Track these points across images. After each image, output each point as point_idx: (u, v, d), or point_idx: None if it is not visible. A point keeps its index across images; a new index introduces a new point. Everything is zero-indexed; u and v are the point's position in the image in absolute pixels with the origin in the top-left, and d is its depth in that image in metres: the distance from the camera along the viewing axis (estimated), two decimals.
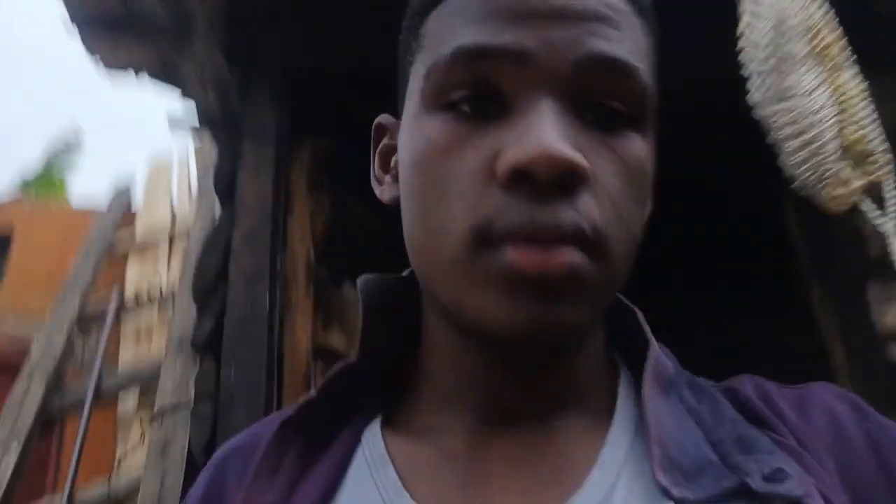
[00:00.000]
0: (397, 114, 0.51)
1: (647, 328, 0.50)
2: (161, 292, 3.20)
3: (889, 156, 0.85)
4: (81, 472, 2.39)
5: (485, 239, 0.39)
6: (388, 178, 0.52)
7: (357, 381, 0.50)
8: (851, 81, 0.87)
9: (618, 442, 0.44)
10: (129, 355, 3.16)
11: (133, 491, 2.27)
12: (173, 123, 2.41)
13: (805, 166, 0.87)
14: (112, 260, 3.43)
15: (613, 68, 0.41)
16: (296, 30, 1.67)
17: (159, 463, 2.02)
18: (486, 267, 0.39)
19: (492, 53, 0.40)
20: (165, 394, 2.28)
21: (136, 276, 3.48)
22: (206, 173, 2.83)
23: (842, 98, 0.87)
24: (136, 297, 3.23)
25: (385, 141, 0.54)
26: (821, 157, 0.85)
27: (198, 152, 3.90)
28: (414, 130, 0.45)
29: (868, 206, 0.85)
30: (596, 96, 0.41)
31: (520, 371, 0.44)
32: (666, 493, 0.39)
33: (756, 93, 0.89)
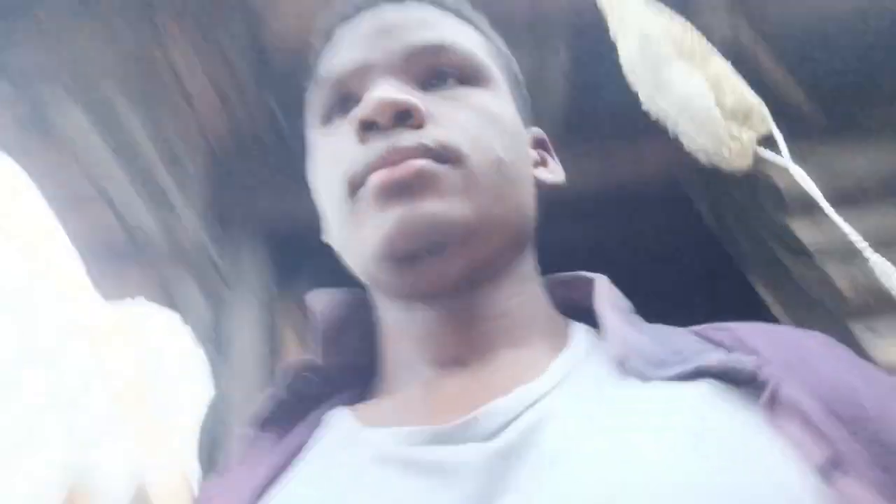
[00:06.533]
0: None
1: (599, 281, 0.54)
2: None
3: (766, 108, 0.93)
4: None
5: (355, 184, 0.48)
6: None
7: (315, 382, 0.54)
8: (719, 63, 0.99)
9: (577, 347, 0.48)
10: None
11: None
12: None
13: (700, 134, 0.95)
14: None
15: (432, 48, 0.53)
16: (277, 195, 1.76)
17: None
18: (361, 199, 0.48)
19: (346, 72, 0.54)
20: None
21: None
22: None
23: (715, 80, 0.99)
24: None
25: None
26: (712, 120, 0.94)
27: None
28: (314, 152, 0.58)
29: (768, 154, 0.91)
30: (427, 68, 0.52)
31: (453, 317, 0.50)
32: (631, 373, 0.43)
33: (640, 88, 1.00)
